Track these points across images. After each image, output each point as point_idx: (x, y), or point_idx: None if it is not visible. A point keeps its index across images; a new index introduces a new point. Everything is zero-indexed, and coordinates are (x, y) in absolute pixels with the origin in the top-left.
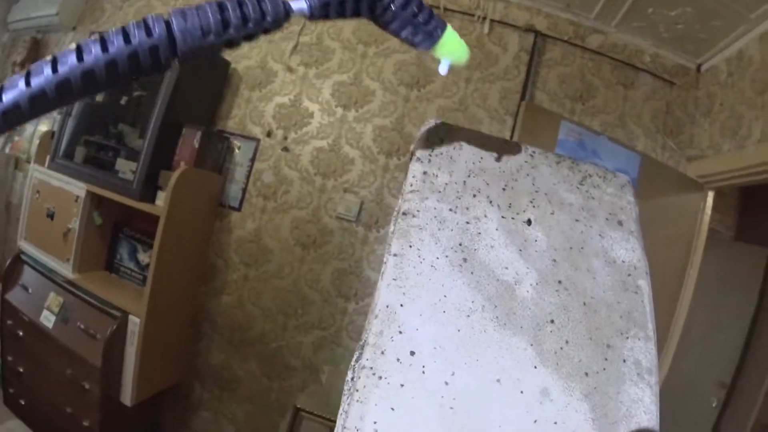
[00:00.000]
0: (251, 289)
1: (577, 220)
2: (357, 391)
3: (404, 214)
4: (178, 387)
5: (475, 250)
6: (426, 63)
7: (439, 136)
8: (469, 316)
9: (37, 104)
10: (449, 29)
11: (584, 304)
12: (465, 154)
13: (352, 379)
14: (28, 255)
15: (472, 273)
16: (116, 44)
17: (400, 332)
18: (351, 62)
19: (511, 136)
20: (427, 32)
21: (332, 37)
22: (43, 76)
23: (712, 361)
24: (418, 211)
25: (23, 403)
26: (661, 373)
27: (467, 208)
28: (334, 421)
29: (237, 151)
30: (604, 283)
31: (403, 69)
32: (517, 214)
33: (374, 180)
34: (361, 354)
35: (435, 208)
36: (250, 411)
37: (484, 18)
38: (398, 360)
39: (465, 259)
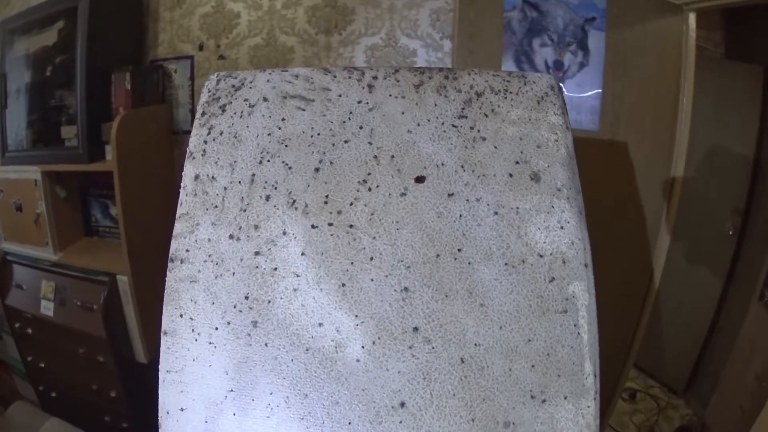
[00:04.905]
0: None
1: (450, 194)
2: None
3: (171, 260)
4: None
5: (269, 302)
6: None
7: (220, 102)
8: (269, 417)
9: None
10: None
11: (461, 360)
12: (257, 119)
13: None
14: (13, 254)
15: (266, 345)
16: None
17: None
18: None
19: None
20: None
21: None
22: None
23: (723, 187)
24: (187, 251)
25: (55, 395)
26: (672, 200)
27: (256, 227)
28: None
29: (174, 74)
30: (502, 309)
31: None
32: (339, 213)
33: (319, 62)
34: None
35: (209, 240)
36: None
37: None
38: None
39: (255, 323)
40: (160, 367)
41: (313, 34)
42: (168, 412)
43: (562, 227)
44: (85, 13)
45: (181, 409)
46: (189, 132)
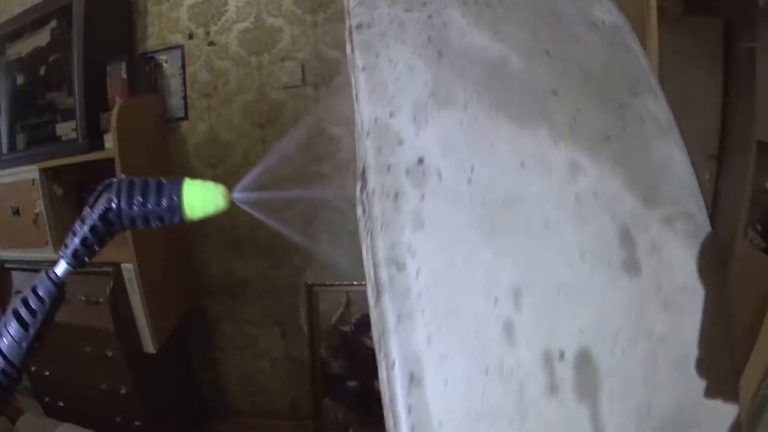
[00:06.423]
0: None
1: None
2: (376, 219)
3: (358, 27)
4: (193, 312)
5: (447, 41)
6: None
7: None
8: (466, 106)
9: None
10: (187, 186)
11: (580, 69)
12: None
13: (364, 212)
14: (10, 261)
15: (452, 64)
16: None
17: (400, 142)
18: None
19: None
20: (169, 208)
21: None
22: None
23: (695, 137)
24: (371, 20)
25: (62, 404)
26: None
27: (424, 4)
28: (348, 284)
29: (165, 64)
30: (594, 47)
31: None
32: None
33: (307, 40)
34: (364, 182)
35: (389, 14)
36: (267, 306)
37: None
38: (408, 172)
39: (440, 52)
40: (359, 95)
41: (299, 14)
42: (376, 120)
43: (610, 12)
44: (80, 9)
45: (390, 114)
46: (182, 118)
